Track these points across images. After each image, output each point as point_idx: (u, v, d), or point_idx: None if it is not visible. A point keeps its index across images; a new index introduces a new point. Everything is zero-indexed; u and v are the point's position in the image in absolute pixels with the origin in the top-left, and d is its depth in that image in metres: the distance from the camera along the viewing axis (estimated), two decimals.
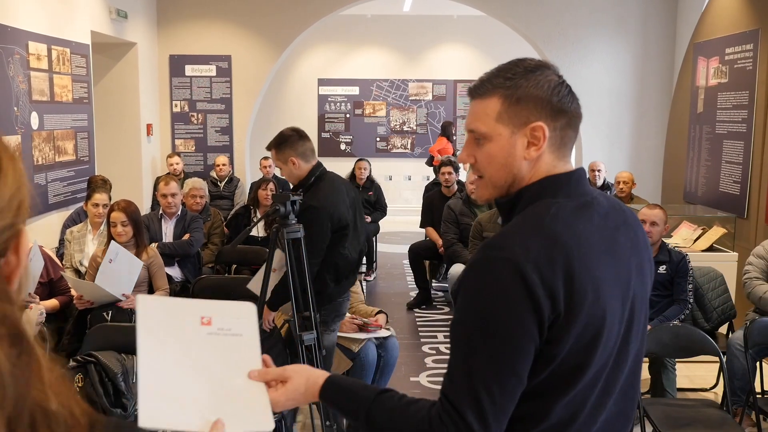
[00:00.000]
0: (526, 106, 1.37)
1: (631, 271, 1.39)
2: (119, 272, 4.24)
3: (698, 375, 4.91)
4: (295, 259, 2.77)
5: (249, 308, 1.37)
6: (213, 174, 8.31)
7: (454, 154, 10.22)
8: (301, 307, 2.87)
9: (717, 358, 4.70)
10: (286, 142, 3.43)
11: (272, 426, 1.28)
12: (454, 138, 11.00)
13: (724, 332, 4.91)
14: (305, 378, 1.40)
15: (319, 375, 1.41)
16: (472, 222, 5.94)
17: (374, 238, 8.14)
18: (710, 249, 5.59)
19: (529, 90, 1.37)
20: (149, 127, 8.49)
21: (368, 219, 7.78)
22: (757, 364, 4.15)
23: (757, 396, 3.76)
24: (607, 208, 1.41)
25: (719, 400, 4.61)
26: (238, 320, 1.34)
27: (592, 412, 1.36)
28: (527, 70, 1.38)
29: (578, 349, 1.30)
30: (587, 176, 3.24)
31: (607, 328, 1.32)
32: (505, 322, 1.26)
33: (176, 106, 9.00)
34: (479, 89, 1.42)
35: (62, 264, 4.91)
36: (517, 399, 1.30)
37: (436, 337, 6.02)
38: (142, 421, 1.19)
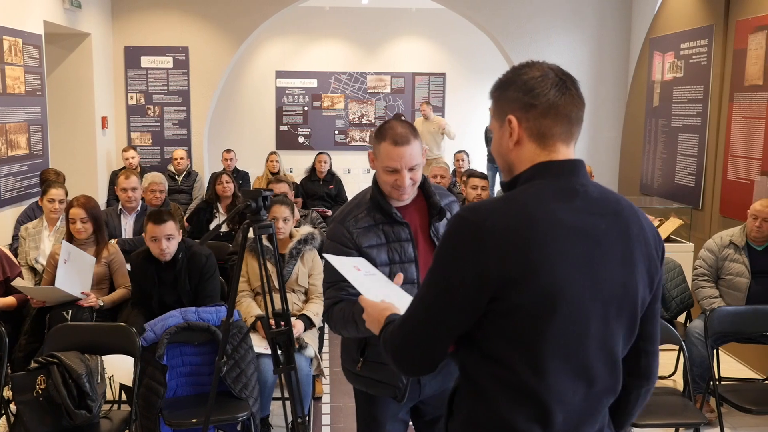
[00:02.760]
0: (505, 102, 1.56)
1: (609, 255, 1.49)
2: (75, 271, 4.15)
3: None
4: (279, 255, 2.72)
5: (364, 262, 2.16)
6: (171, 168, 8.18)
7: None
8: (273, 304, 2.83)
9: (673, 347, 4.83)
10: None
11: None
12: None
13: (682, 321, 5.03)
14: (385, 306, 1.78)
15: (392, 312, 1.74)
16: None
17: None
18: (667, 240, 5.71)
19: (505, 88, 1.57)
20: (104, 119, 8.31)
21: (328, 212, 7.76)
22: (714, 352, 4.25)
23: (717, 383, 3.85)
24: (597, 197, 1.53)
25: (678, 387, 4.72)
26: (370, 269, 2.08)
27: (563, 381, 1.47)
28: (512, 71, 1.58)
29: (534, 315, 1.43)
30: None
31: (565, 302, 1.43)
32: (450, 271, 1.46)
33: (132, 98, 8.82)
34: (491, 92, 1.64)
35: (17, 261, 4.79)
36: (446, 345, 1.52)
37: None
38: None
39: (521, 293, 1.41)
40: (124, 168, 7.87)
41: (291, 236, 4.28)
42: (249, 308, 4.13)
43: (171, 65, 8.78)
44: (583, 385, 1.50)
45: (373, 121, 12.39)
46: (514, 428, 1.47)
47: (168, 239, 3.89)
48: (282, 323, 2.86)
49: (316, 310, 4.20)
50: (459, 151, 8.52)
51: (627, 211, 1.55)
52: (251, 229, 2.83)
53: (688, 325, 4.78)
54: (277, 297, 2.97)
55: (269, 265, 4.09)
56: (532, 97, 1.51)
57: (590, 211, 1.49)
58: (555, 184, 1.50)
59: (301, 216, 4.76)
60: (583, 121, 1.58)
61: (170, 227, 3.89)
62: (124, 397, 4.02)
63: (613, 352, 1.53)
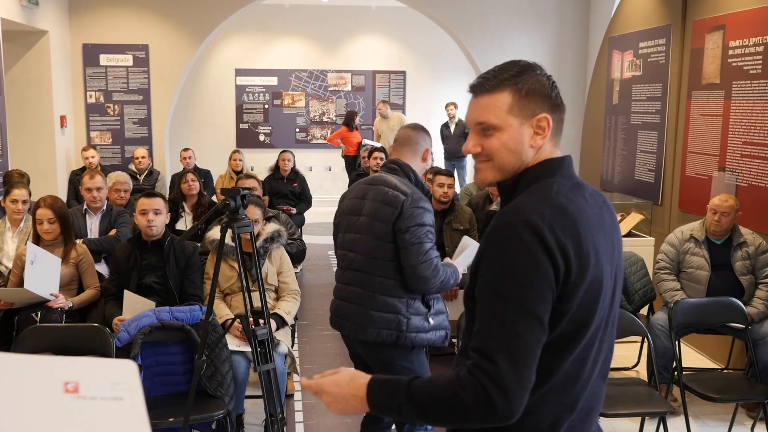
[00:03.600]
0: (534, 99, 1.55)
1: (614, 244, 1.57)
2: (43, 272, 4.09)
3: (619, 354, 5.14)
4: (246, 253, 2.74)
5: (127, 365, 1.06)
6: (132, 167, 8.08)
7: (361, 143, 10.29)
8: (252, 302, 2.85)
9: (636, 338, 4.97)
10: None
11: None
12: (361, 128, 11.02)
13: (645, 314, 5.17)
14: (353, 372, 1.53)
15: (364, 375, 1.53)
16: None
17: (300, 230, 8.11)
18: (629, 235, 5.85)
19: (534, 86, 1.55)
20: (63, 118, 8.17)
21: (293, 211, 7.74)
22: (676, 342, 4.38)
23: (682, 373, 3.97)
24: (591, 190, 1.59)
25: (642, 378, 4.85)
26: (114, 383, 1.03)
27: (591, 370, 1.53)
28: (528, 68, 1.58)
29: (583, 308, 1.46)
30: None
31: (603, 290, 1.49)
32: (530, 275, 1.40)
33: (91, 96, 8.69)
34: (486, 85, 1.57)
35: None
36: (542, 347, 1.41)
37: None
38: None
39: (580, 289, 1.44)
40: (84, 168, 7.76)
41: (258, 235, 4.29)
42: (219, 309, 4.13)
43: (131, 63, 8.67)
44: (599, 368, 1.55)
45: (333, 119, 12.41)
46: (546, 422, 1.49)
47: (156, 213, 3.99)
48: (261, 321, 2.89)
49: (287, 308, 4.21)
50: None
51: (608, 202, 1.63)
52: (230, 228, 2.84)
53: (651, 317, 4.91)
54: (254, 296, 2.99)
55: (235, 265, 4.09)
56: (557, 97, 1.57)
57: (595, 204, 1.55)
58: (567, 180, 1.55)
59: (269, 216, 4.77)
60: None
61: (159, 202, 4.04)
62: None
63: (613, 335, 1.60)
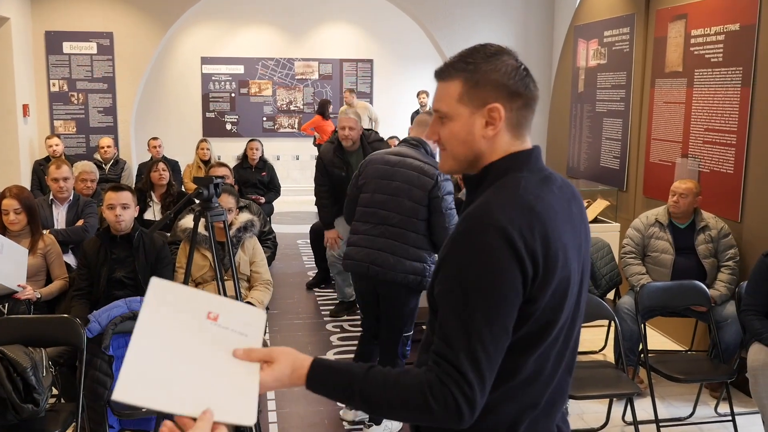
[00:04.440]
0: (485, 88, 1.48)
1: (581, 237, 1.55)
2: (10, 263, 4.04)
3: (586, 338, 5.24)
4: (218, 243, 2.74)
5: (260, 315, 1.41)
6: (97, 156, 7.98)
7: (334, 132, 10.28)
8: (225, 292, 2.85)
9: (603, 323, 5.06)
10: None
11: (254, 421, 1.29)
12: (331, 116, 11.00)
13: (612, 298, 5.27)
14: (292, 360, 1.41)
15: (305, 358, 1.43)
16: (343, 173, 5.62)
17: (269, 219, 8.09)
18: (595, 221, 5.95)
19: (487, 74, 1.48)
20: (25, 107, 8.03)
21: (262, 200, 7.72)
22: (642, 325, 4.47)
23: (648, 355, 4.07)
24: (560, 182, 1.54)
25: (608, 361, 4.95)
26: (246, 323, 1.38)
27: (555, 366, 1.51)
28: (487, 56, 1.50)
29: (550, 308, 1.43)
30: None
31: (570, 288, 1.47)
32: (497, 283, 1.37)
33: (54, 85, 8.55)
34: (443, 73, 1.54)
35: None
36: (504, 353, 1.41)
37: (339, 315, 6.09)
38: (117, 394, 1.23)
39: (547, 290, 1.41)
40: (48, 157, 7.64)
41: (231, 224, 4.28)
42: None
43: (95, 51, 8.53)
44: (564, 365, 1.54)
45: (301, 107, 12.36)
46: (507, 419, 1.48)
47: (123, 207, 3.96)
48: None
49: (260, 297, 4.22)
50: (391, 137, 8.61)
51: (576, 193, 1.58)
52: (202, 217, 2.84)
53: (617, 301, 5.01)
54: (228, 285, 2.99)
55: (208, 254, 4.09)
56: (519, 86, 1.48)
57: (563, 197, 1.51)
58: (535, 174, 1.49)
59: (242, 206, 4.76)
60: None
61: (127, 196, 4.00)
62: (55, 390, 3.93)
63: (577, 330, 1.58)
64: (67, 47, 8.47)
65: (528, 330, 1.42)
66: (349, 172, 5.45)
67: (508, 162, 1.50)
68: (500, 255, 1.36)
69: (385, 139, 8.74)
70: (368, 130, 6.05)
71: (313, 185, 5.89)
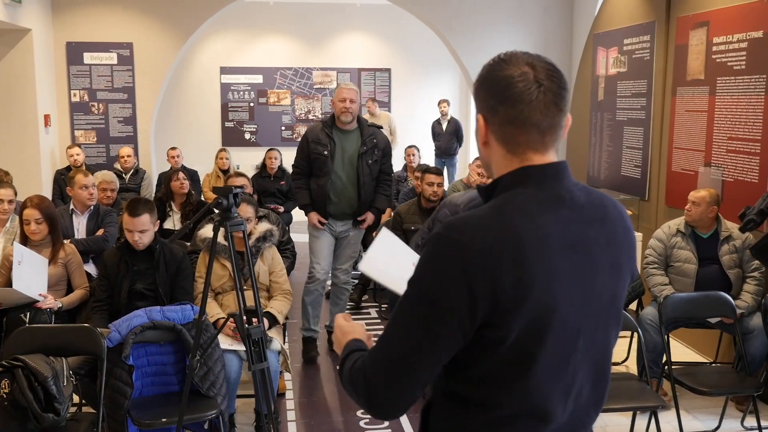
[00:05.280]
0: (477, 98, 1.46)
1: (599, 266, 1.41)
2: (31, 273, 4.06)
3: None
4: (238, 252, 2.73)
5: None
6: (117, 166, 8.03)
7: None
8: (245, 301, 2.84)
9: (625, 333, 5.00)
10: None
11: None
12: None
13: (634, 308, 5.21)
14: (360, 331, 1.61)
15: (359, 331, 1.61)
16: (325, 151, 5.01)
17: (288, 228, 8.09)
18: None
19: (482, 83, 1.44)
20: (47, 117, 8.10)
21: (281, 209, 7.73)
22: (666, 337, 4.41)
23: (672, 367, 4.00)
24: (584, 203, 1.42)
25: (631, 373, 4.88)
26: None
27: (560, 405, 1.40)
28: (492, 65, 1.44)
29: (526, 338, 1.33)
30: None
31: (558, 321, 1.35)
32: (438, 296, 1.32)
33: (75, 95, 8.62)
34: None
35: None
36: (427, 382, 1.39)
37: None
38: (362, 266, 2.16)
39: (515, 317, 1.31)
40: (69, 167, 7.70)
41: (250, 234, 4.28)
42: (210, 308, 4.11)
43: (115, 61, 8.60)
44: (571, 403, 1.43)
45: (319, 116, 12.37)
46: None
47: (141, 232, 3.91)
48: (254, 320, 2.88)
49: (279, 307, 4.21)
50: (410, 146, 8.58)
51: (613, 214, 1.45)
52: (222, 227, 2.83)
53: (640, 312, 4.95)
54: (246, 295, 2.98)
55: (227, 264, 4.08)
56: (498, 100, 1.39)
57: (578, 220, 1.39)
58: (539, 193, 1.38)
59: (261, 216, 4.75)
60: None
61: (143, 222, 3.91)
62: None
63: (600, 364, 1.47)
64: (88, 58, 8.55)
65: (503, 359, 1.35)
66: (332, 152, 5.00)
67: (512, 178, 1.41)
68: (449, 270, 1.31)
69: (405, 148, 8.74)
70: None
71: None
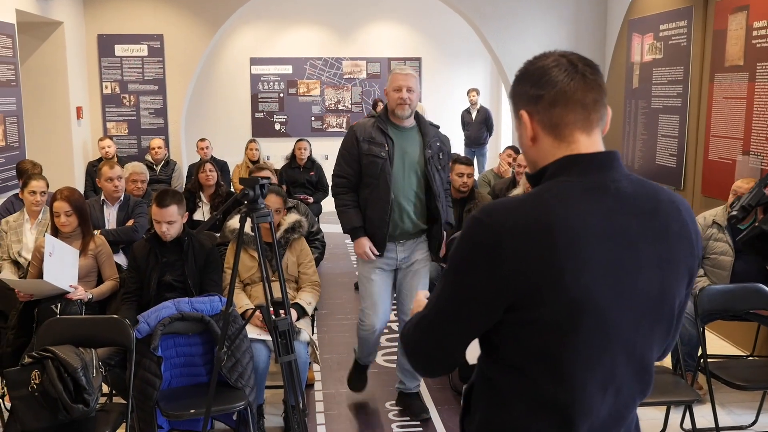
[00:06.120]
0: (517, 96, 1.50)
1: (644, 260, 1.38)
2: (62, 264, 4.09)
3: None
4: (266, 243, 2.70)
5: None
6: (148, 157, 8.08)
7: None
8: (272, 293, 2.82)
9: None
10: None
11: None
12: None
13: None
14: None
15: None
16: (383, 153, 3.90)
17: (317, 219, 8.08)
18: None
19: (519, 82, 1.49)
20: (79, 110, 8.18)
21: (310, 200, 7.72)
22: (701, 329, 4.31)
23: (708, 361, 3.91)
24: (632, 194, 1.39)
25: (667, 366, 4.78)
26: None
27: (598, 397, 1.39)
28: (526, 64, 1.50)
29: (557, 325, 1.34)
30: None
31: (591, 312, 1.33)
32: (463, 278, 1.39)
33: (107, 87, 8.69)
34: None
35: None
36: (461, 350, 1.47)
37: None
38: None
39: (543, 304, 1.32)
40: (100, 158, 7.77)
41: (279, 225, 4.26)
42: (238, 299, 4.10)
43: (146, 53, 8.65)
44: (611, 395, 1.41)
45: (349, 107, 12.34)
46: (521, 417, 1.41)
47: (169, 224, 3.91)
48: (282, 311, 2.85)
49: (308, 299, 4.18)
50: None
51: (666, 207, 1.41)
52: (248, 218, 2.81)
53: None
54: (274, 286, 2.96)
55: (256, 255, 4.06)
56: (539, 87, 1.42)
57: (623, 211, 1.37)
58: (583, 182, 1.38)
59: (289, 207, 4.73)
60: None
61: (171, 213, 3.90)
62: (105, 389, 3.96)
63: (644, 359, 1.44)
64: (119, 50, 8.61)
65: (533, 344, 1.38)
66: (391, 154, 3.91)
67: (558, 167, 1.42)
68: (478, 253, 1.36)
69: None
70: None
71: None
